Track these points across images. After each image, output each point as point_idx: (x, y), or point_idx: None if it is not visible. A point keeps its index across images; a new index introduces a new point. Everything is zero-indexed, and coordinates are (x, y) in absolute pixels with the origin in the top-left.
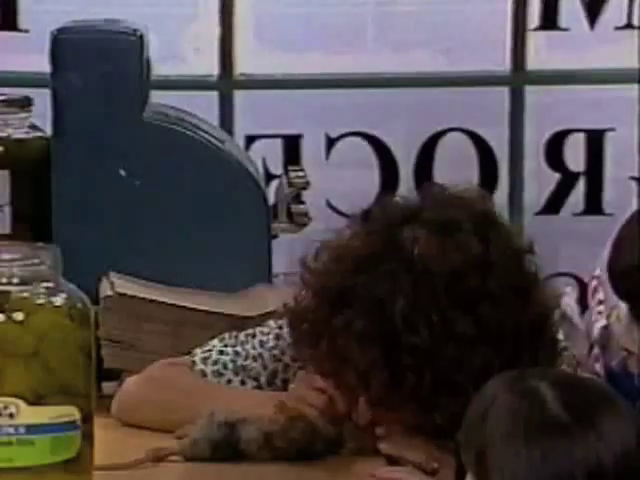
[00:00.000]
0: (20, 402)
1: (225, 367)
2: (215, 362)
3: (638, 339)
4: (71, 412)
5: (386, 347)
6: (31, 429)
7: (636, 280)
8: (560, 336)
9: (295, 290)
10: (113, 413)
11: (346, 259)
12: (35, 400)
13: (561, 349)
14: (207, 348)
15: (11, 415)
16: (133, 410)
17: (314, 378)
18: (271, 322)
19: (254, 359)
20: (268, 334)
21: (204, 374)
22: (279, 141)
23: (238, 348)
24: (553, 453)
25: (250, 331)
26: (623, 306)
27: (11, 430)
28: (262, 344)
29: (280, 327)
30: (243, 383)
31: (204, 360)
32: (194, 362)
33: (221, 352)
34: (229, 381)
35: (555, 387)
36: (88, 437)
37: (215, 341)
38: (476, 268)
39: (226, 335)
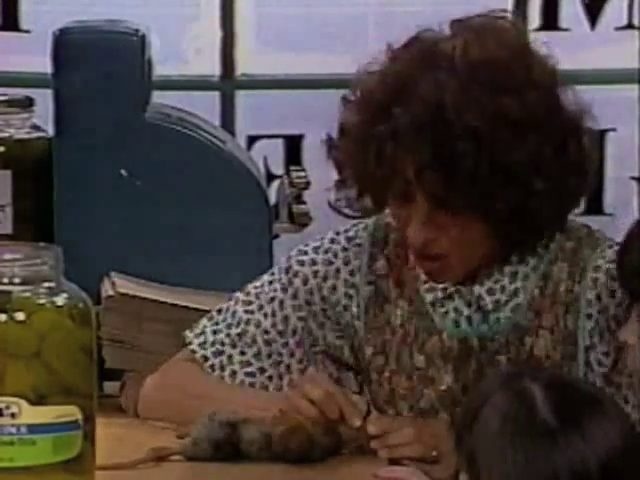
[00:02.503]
0: (22, 402)
1: (222, 344)
2: (212, 343)
3: None
4: (72, 412)
5: (439, 137)
6: (33, 429)
7: None
8: None
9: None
10: (139, 413)
11: (389, 77)
12: (37, 400)
13: None
14: (199, 331)
15: (13, 415)
16: (154, 412)
17: (304, 389)
18: (264, 276)
19: (247, 322)
20: (262, 285)
21: (206, 358)
22: (280, 141)
23: (229, 320)
24: (537, 454)
25: (236, 295)
26: None
27: (13, 430)
28: (257, 296)
29: (272, 273)
30: (243, 353)
31: (202, 345)
32: (194, 351)
33: (214, 332)
34: (230, 357)
35: (546, 388)
36: (89, 437)
37: (204, 321)
38: (520, 58)
39: (213, 313)
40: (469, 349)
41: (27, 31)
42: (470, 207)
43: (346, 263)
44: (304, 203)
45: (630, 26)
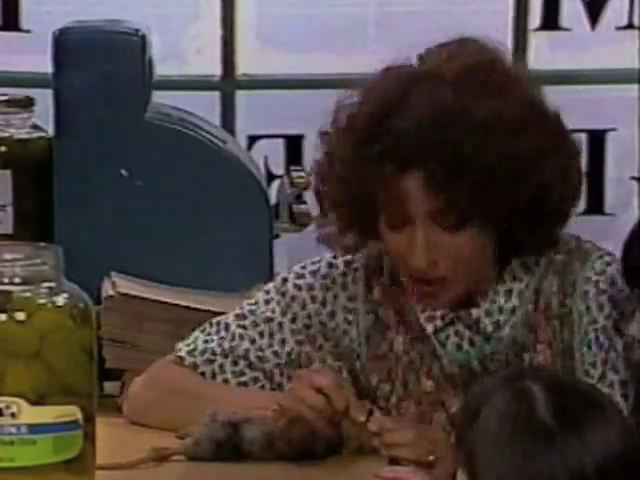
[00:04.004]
0: (22, 402)
1: (214, 353)
2: (203, 352)
3: None
4: (73, 412)
5: (445, 134)
6: (33, 429)
7: None
8: None
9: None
10: (125, 415)
11: (377, 93)
12: (37, 400)
13: None
14: (190, 341)
15: (13, 415)
16: (143, 413)
17: (312, 377)
18: (257, 292)
19: (241, 337)
20: (257, 303)
21: (195, 366)
22: (281, 141)
23: (222, 333)
24: (535, 455)
25: (232, 312)
26: None
27: (13, 430)
28: (252, 313)
29: (267, 292)
30: (235, 364)
31: (190, 353)
32: (181, 357)
33: (205, 341)
34: (221, 365)
35: (547, 389)
36: (90, 437)
37: (197, 332)
38: (499, 61)
39: (206, 325)
40: (471, 373)
41: (27, 31)
42: (480, 212)
43: (344, 289)
44: (304, 203)
45: (630, 26)
